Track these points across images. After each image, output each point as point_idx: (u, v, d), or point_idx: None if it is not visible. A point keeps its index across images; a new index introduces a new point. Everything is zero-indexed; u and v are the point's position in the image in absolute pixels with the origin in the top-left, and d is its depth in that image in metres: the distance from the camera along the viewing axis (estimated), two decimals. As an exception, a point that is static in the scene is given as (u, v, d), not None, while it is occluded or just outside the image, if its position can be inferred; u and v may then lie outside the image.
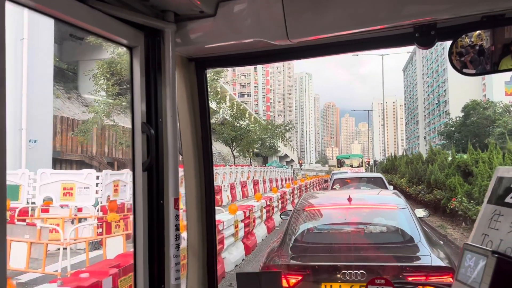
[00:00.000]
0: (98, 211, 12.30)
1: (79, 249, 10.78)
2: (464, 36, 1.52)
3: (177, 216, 1.67)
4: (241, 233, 10.29)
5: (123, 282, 4.83)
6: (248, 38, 1.72)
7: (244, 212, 10.63)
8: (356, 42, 1.72)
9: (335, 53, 1.83)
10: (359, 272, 3.92)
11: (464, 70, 1.53)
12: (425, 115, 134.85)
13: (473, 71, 1.52)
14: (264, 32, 1.68)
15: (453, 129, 63.50)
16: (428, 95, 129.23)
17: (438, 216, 16.58)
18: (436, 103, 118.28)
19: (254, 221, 11.79)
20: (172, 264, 1.65)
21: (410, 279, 3.94)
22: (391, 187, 15.99)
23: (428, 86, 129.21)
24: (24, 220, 11.17)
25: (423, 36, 1.56)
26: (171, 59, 1.68)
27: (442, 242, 5.69)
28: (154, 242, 1.66)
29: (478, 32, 1.50)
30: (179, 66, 1.92)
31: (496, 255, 1.18)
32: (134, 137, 1.66)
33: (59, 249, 8.51)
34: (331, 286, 4.08)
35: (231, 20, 1.73)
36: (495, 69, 1.49)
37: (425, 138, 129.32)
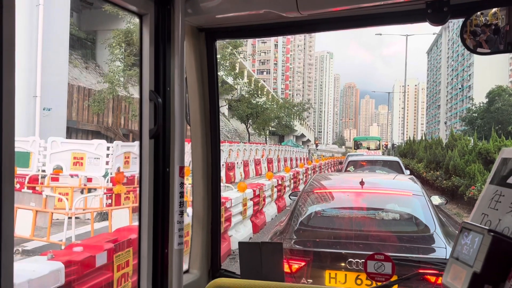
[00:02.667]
0: (108, 182, 12.25)
1: (88, 219, 10.76)
2: (479, 14, 1.49)
3: (181, 184, 1.70)
4: (250, 212, 10.09)
5: (119, 258, 4.64)
6: (258, 9, 1.72)
7: (254, 191, 10.41)
8: (366, 17, 1.72)
9: (345, 27, 1.83)
10: (366, 262, 3.62)
11: (478, 50, 1.50)
12: (447, 100, 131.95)
13: (488, 50, 1.49)
14: (274, 4, 1.68)
15: (476, 115, 62.01)
16: (452, 79, 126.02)
17: (455, 203, 16.12)
18: (460, 88, 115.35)
19: (264, 199, 11.57)
20: (175, 229, 1.69)
21: (422, 271, 3.63)
22: (408, 172, 15.53)
23: (453, 70, 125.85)
24: (34, 188, 11.18)
25: (435, 12, 1.53)
26: (181, 28, 1.68)
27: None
28: (159, 208, 1.72)
29: (493, 10, 1.47)
30: (189, 36, 1.94)
31: (492, 234, 1.16)
32: (142, 105, 1.68)
33: (70, 218, 8.46)
34: (335, 274, 3.81)
35: None
36: (509, 49, 1.46)
37: (446, 123, 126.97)
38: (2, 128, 0.92)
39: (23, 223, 8.04)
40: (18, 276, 3.26)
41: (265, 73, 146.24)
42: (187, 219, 3.06)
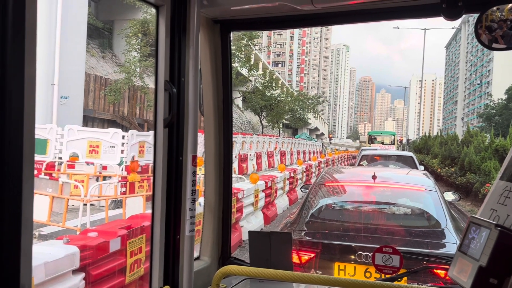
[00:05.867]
0: (122, 170, 12.42)
1: (102, 206, 10.95)
2: (494, 9, 1.47)
3: (194, 173, 1.74)
4: (261, 203, 10.14)
5: (132, 244, 4.74)
6: (273, 1, 1.74)
7: (266, 182, 10.44)
8: (380, 10, 1.71)
9: (359, 21, 1.83)
10: (375, 255, 3.63)
11: (494, 45, 1.49)
12: (465, 96, 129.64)
13: (504, 46, 1.48)
14: None
15: (494, 111, 60.77)
16: (471, 74, 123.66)
17: (469, 200, 15.94)
18: (478, 84, 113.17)
19: (276, 191, 11.61)
20: (187, 216, 1.73)
21: (430, 265, 3.63)
22: (422, 167, 15.38)
23: (471, 65, 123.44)
24: (50, 174, 11.40)
25: (450, 7, 1.52)
26: (196, 19, 1.70)
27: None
28: (171, 195, 1.74)
29: (510, 5, 1.45)
30: (204, 27, 1.96)
31: (499, 228, 1.18)
32: (157, 94, 1.70)
33: (85, 204, 8.63)
34: (345, 266, 3.83)
35: None
36: None
37: (462, 119, 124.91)
38: (23, 113, 0.94)
39: (40, 208, 8.23)
40: (35, 258, 3.36)
41: (280, 65, 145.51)
42: (199, 208, 3.12)
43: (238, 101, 49.38)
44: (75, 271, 3.88)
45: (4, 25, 0.91)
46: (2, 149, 0.91)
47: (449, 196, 6.30)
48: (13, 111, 0.93)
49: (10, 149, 0.92)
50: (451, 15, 1.54)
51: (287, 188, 13.38)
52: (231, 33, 2.14)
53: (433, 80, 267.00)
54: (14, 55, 0.92)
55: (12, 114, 0.93)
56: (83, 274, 3.96)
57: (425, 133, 56.53)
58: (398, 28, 50.31)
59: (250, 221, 9.42)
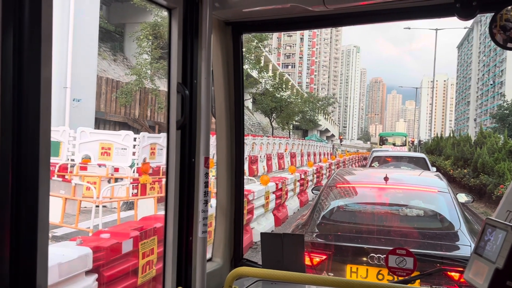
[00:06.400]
0: (134, 172, 12.50)
1: (114, 208, 11.03)
2: (509, 8, 1.46)
3: (206, 174, 1.74)
4: (272, 205, 10.12)
5: (144, 245, 4.77)
6: (284, 3, 1.73)
7: (277, 184, 10.43)
8: (393, 11, 1.70)
9: (371, 21, 1.82)
10: (388, 257, 3.60)
11: (508, 45, 1.48)
12: (477, 96, 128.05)
13: None
14: None
15: (508, 112, 59.87)
16: (483, 75, 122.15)
17: (483, 202, 15.72)
18: (491, 84, 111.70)
19: (286, 193, 11.58)
20: (200, 218, 1.73)
21: (445, 268, 3.59)
22: (434, 169, 15.21)
23: (484, 65, 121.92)
24: (63, 176, 11.52)
25: (464, 6, 1.50)
26: (208, 22, 1.70)
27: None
28: (184, 197, 1.76)
29: None
30: (216, 29, 1.96)
31: None
32: (170, 97, 1.72)
33: (98, 206, 8.70)
34: (357, 268, 3.80)
35: None
36: None
37: (475, 120, 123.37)
38: (39, 115, 0.96)
39: (53, 209, 8.31)
40: (48, 259, 3.39)
41: (290, 66, 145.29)
42: (210, 210, 3.12)
43: (248, 103, 49.42)
44: (88, 272, 3.91)
45: (21, 28, 0.92)
46: (19, 151, 0.93)
47: (463, 197, 6.22)
48: (30, 113, 0.94)
49: (26, 151, 0.94)
50: (465, 15, 1.51)
51: (297, 190, 13.34)
52: (243, 35, 2.13)
53: (445, 80, 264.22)
54: (31, 57, 0.94)
55: (29, 116, 0.94)
56: (96, 275, 3.99)
57: (437, 134, 55.94)
58: (409, 28, 49.95)
59: (261, 223, 9.41)
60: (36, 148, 0.96)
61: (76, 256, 3.71)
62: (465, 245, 3.82)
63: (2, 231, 0.91)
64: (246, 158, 20.68)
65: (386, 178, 4.80)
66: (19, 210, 0.93)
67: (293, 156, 30.38)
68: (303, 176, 14.09)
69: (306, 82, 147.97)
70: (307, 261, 3.91)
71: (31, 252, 0.96)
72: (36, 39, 0.95)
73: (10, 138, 0.91)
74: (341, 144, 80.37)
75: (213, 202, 2.73)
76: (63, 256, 3.62)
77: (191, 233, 1.78)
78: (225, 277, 1.80)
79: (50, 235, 8.49)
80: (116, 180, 11.80)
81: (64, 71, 17.58)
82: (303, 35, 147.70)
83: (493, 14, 1.49)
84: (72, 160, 12.95)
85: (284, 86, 43.09)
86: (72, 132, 13.35)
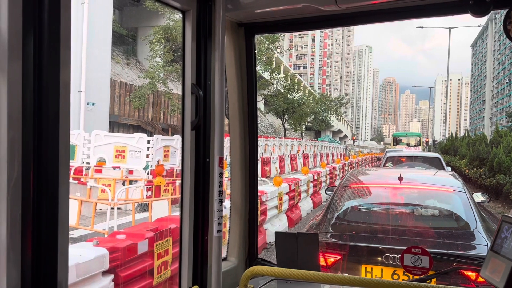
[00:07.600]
0: (148, 174, 12.60)
1: (129, 209, 11.14)
2: None
3: (221, 174, 1.76)
4: (285, 206, 10.11)
5: (159, 246, 4.81)
6: (297, 3, 1.74)
7: (290, 185, 10.42)
8: (406, 9, 1.69)
9: (384, 20, 1.81)
10: (403, 257, 3.57)
11: None
12: (492, 95, 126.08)
13: None
14: None
15: (524, 110, 58.83)
16: (498, 73, 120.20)
17: (499, 202, 15.47)
18: (507, 82, 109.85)
19: (299, 194, 11.56)
20: (215, 217, 1.75)
21: (461, 266, 3.55)
22: (449, 168, 15.00)
23: (499, 63, 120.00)
24: (79, 179, 11.68)
25: (478, 3, 1.48)
26: (221, 23, 1.72)
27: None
28: (199, 196, 1.78)
29: None
30: (229, 30, 1.98)
31: None
32: (184, 98, 1.74)
33: (113, 208, 8.80)
34: (372, 269, 3.78)
35: None
36: None
37: (491, 119, 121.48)
38: (59, 117, 0.98)
39: (69, 211, 8.42)
40: (66, 260, 3.44)
41: (301, 67, 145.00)
42: (224, 210, 3.14)
43: (260, 104, 49.43)
44: (104, 273, 3.96)
45: (40, 33, 0.94)
46: (40, 153, 0.94)
47: (479, 197, 6.13)
48: (50, 115, 0.96)
49: (47, 153, 0.96)
50: (479, 12, 1.50)
51: (311, 191, 13.30)
52: (255, 36, 2.14)
53: (459, 79, 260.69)
54: (50, 62, 0.96)
55: (49, 119, 0.96)
56: (112, 276, 4.04)
57: (451, 133, 55.20)
58: (422, 27, 49.39)
59: (274, 224, 9.40)
60: (56, 150, 0.97)
61: (93, 256, 3.76)
62: (482, 245, 3.77)
63: (25, 231, 0.92)
64: (258, 159, 20.67)
65: (400, 178, 4.76)
66: (41, 210, 0.95)
67: (305, 157, 30.28)
68: (316, 177, 14.04)
69: (318, 83, 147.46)
70: (321, 261, 3.91)
71: (52, 251, 0.98)
72: (55, 44, 0.97)
73: (31, 140, 0.93)
74: (354, 145, 79.86)
75: (226, 203, 2.75)
76: (80, 256, 3.68)
77: (206, 232, 1.80)
78: (240, 276, 1.82)
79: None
80: (130, 182, 11.92)
81: (79, 75, 17.85)
82: (314, 36, 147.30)
83: (507, 10, 1.48)
84: (87, 163, 13.12)
85: (296, 87, 43.03)
86: (87, 135, 13.53)
